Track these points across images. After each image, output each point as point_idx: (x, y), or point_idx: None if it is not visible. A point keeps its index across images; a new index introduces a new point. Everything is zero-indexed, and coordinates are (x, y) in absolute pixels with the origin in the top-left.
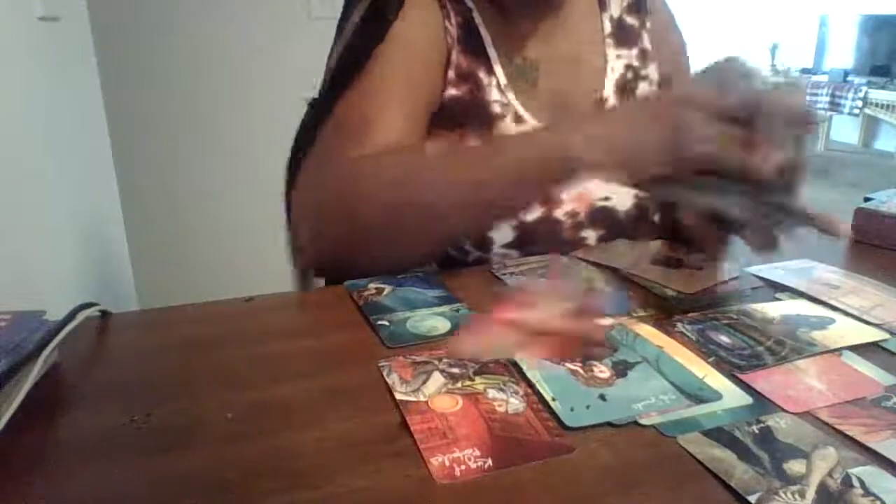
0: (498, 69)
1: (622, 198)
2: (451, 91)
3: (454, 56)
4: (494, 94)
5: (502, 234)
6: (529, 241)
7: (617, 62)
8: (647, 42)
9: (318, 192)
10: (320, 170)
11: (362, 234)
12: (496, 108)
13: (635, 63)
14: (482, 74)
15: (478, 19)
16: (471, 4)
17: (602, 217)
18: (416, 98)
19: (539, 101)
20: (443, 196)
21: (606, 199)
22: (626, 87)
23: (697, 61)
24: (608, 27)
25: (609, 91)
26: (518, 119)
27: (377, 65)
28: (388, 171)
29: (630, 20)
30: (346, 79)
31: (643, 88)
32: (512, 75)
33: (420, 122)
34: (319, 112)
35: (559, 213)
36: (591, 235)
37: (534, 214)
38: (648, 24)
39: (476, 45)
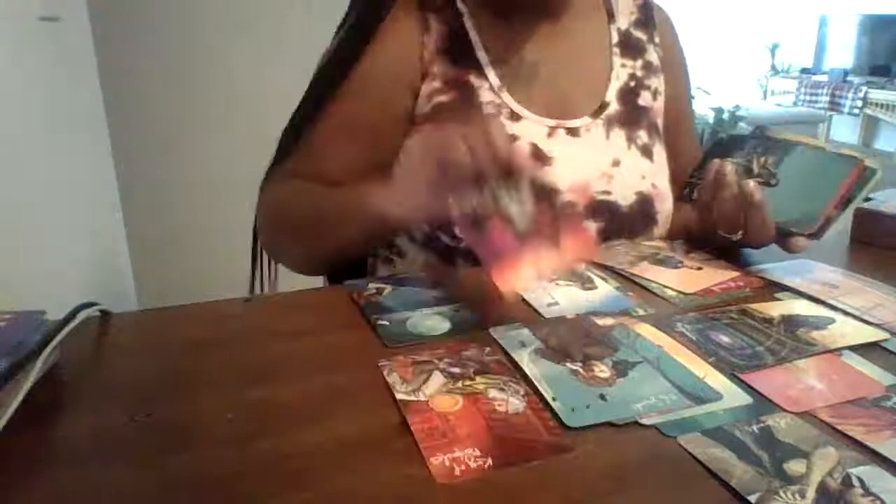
0: (489, 72)
1: (623, 192)
2: (440, 98)
3: (436, 68)
4: (487, 96)
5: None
6: None
7: (621, 70)
8: (653, 55)
9: (263, 204)
10: (270, 182)
11: (271, 238)
12: (489, 109)
13: (639, 73)
14: (472, 78)
15: (468, 24)
16: (463, 9)
17: (602, 210)
18: (367, 139)
19: (539, 100)
20: (305, 219)
21: (607, 192)
22: (628, 95)
23: (697, 62)
24: (615, 37)
25: (611, 96)
26: (514, 117)
27: (338, 106)
28: (284, 198)
29: (637, 34)
30: (313, 109)
31: (645, 98)
32: (506, 76)
33: (365, 158)
34: (298, 124)
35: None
36: (590, 227)
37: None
38: (657, 39)
39: (465, 51)
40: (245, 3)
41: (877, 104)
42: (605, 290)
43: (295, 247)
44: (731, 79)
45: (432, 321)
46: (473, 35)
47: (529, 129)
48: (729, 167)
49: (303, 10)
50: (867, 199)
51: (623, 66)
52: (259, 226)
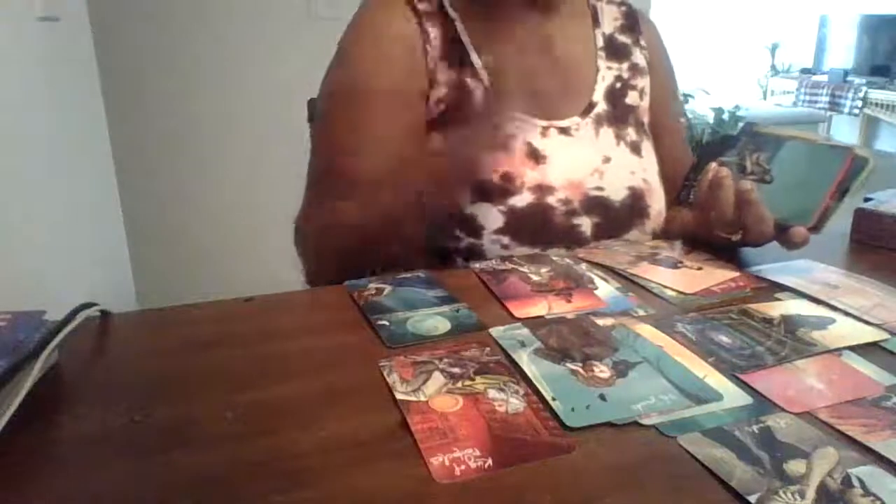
0: (483, 74)
1: (615, 188)
2: (445, 103)
3: (440, 75)
4: (482, 97)
5: (492, 219)
6: (520, 227)
7: (608, 72)
8: (639, 57)
9: (312, 237)
10: (308, 217)
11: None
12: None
13: (625, 75)
14: (469, 80)
15: (460, 28)
16: (454, 15)
17: (596, 206)
18: (383, 144)
19: (529, 101)
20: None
21: (600, 188)
22: (615, 95)
23: (697, 62)
24: (600, 41)
25: (599, 97)
26: (508, 117)
27: (350, 120)
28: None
29: (622, 38)
30: (326, 124)
31: (632, 97)
32: (498, 78)
33: (393, 158)
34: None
35: (551, 200)
36: (585, 223)
37: (524, 200)
38: (643, 42)
39: (461, 55)
40: (246, 3)
41: (877, 104)
42: (605, 290)
43: (368, 258)
44: (731, 79)
45: (432, 321)
46: (466, 38)
47: (524, 129)
48: (725, 170)
49: (304, 9)
50: (867, 199)
51: (609, 68)
52: (317, 256)
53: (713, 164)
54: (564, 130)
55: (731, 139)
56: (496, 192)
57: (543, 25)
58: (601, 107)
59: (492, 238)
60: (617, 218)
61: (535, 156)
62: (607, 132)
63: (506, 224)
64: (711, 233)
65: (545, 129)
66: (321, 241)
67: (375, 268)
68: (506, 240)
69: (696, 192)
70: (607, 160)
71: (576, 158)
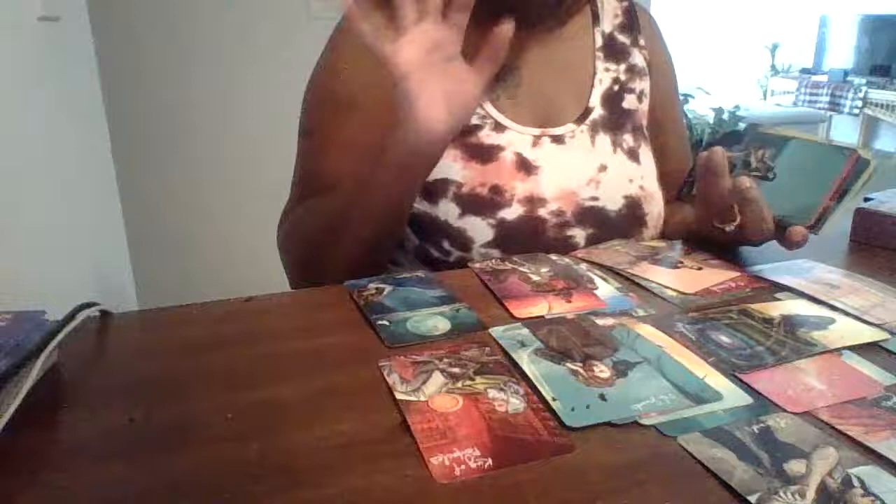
0: None
1: (611, 197)
2: None
3: None
4: None
5: (481, 232)
6: (510, 240)
7: (605, 75)
8: (638, 58)
9: (285, 233)
10: (287, 215)
11: (309, 261)
12: (473, 120)
13: (623, 77)
14: None
15: None
16: None
17: (591, 216)
18: (360, 151)
19: (524, 107)
20: (336, 220)
21: (595, 199)
22: (612, 99)
23: (697, 62)
24: (599, 41)
25: (595, 101)
26: (498, 127)
27: (333, 130)
28: (311, 216)
29: (621, 38)
30: (306, 131)
31: (630, 101)
32: (490, 86)
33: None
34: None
35: (543, 212)
36: (578, 234)
37: (514, 213)
38: (642, 42)
39: None
40: (245, 3)
41: (877, 104)
42: (605, 290)
43: (334, 250)
44: (731, 79)
45: (432, 321)
46: None
47: (514, 139)
48: (719, 153)
49: (302, 8)
50: (867, 199)
51: (606, 70)
52: (287, 253)
53: (704, 152)
54: (558, 139)
55: (736, 135)
56: (485, 205)
57: (542, 25)
58: (597, 112)
59: (481, 252)
60: (613, 227)
61: (526, 167)
62: (604, 139)
63: (495, 237)
64: (709, 225)
65: (537, 138)
66: (286, 243)
67: (335, 272)
68: (496, 253)
69: (698, 186)
70: (603, 169)
71: (570, 168)
